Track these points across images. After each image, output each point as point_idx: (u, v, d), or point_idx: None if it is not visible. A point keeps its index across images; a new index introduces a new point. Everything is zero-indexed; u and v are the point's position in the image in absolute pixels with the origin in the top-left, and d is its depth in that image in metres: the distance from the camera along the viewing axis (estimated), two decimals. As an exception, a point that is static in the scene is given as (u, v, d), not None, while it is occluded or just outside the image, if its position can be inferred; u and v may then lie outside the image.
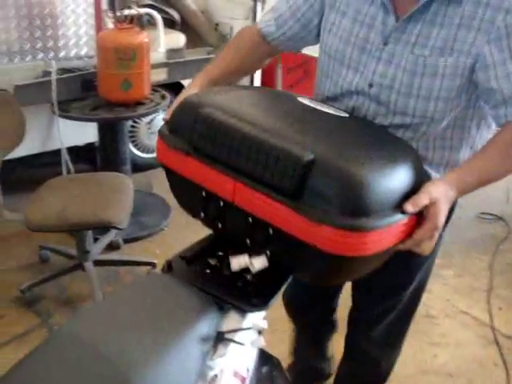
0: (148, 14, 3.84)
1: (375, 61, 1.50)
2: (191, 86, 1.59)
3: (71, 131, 3.63)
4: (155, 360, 1.16)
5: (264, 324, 1.40)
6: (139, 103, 3.30)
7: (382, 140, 1.45)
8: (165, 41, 3.91)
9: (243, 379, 1.39)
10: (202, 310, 1.30)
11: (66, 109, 3.25)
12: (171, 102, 3.54)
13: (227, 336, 1.34)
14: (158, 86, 3.61)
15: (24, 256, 3.28)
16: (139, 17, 3.19)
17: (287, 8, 1.68)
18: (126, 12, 3.34)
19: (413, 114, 1.48)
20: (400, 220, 1.24)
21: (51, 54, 3.54)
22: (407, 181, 1.28)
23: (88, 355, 1.16)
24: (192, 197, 1.42)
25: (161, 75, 3.59)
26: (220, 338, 1.34)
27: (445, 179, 1.37)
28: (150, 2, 4.15)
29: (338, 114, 1.48)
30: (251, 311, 1.35)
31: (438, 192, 1.28)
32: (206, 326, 1.28)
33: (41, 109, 3.42)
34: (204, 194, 1.37)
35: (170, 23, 4.30)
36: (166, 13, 4.22)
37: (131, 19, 3.21)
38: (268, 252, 1.32)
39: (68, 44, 3.61)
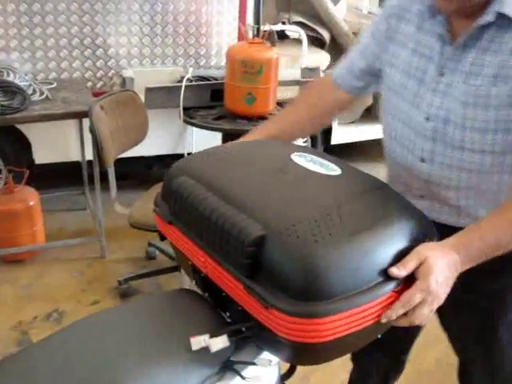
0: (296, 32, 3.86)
1: (431, 93, 1.40)
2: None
3: (200, 138, 3.74)
4: (145, 373, 1.16)
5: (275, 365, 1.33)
6: (262, 117, 3.30)
7: (370, 203, 1.24)
8: (309, 59, 3.89)
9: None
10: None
11: (192, 115, 3.36)
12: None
13: (235, 367, 1.27)
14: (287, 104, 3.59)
15: (133, 249, 3.44)
16: (270, 33, 3.19)
17: (355, 50, 1.64)
18: (267, 27, 3.37)
19: (471, 147, 1.35)
20: (370, 301, 1.09)
21: (191, 62, 3.68)
22: (384, 256, 1.12)
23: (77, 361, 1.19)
24: (185, 265, 1.40)
25: (292, 93, 3.57)
26: (228, 366, 1.28)
27: (442, 242, 1.20)
28: (302, 20, 4.16)
29: (328, 172, 1.32)
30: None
31: (430, 250, 1.13)
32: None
33: (174, 113, 3.56)
34: (190, 263, 1.33)
35: (319, 43, 4.27)
36: (317, 32, 4.19)
37: (263, 35, 3.23)
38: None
39: (209, 53, 3.74)
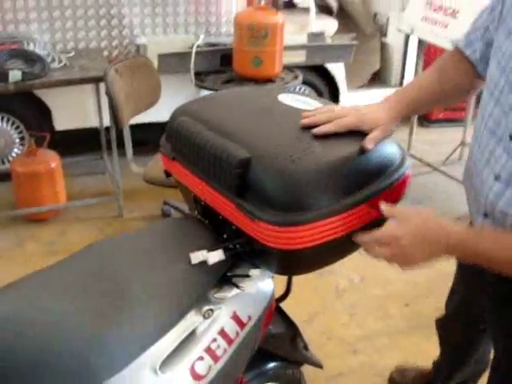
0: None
1: None
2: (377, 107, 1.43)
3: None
4: (151, 273, 1.36)
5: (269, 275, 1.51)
6: (269, 80, 3.45)
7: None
8: (316, 26, 4.02)
9: (242, 324, 1.49)
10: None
11: (202, 80, 3.52)
12: (304, 82, 3.67)
13: (234, 280, 1.45)
14: (297, 68, 3.74)
15: (149, 208, 3.63)
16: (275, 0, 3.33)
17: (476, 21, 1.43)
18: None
19: None
20: (339, 213, 1.25)
21: (202, 30, 3.83)
22: (349, 175, 1.28)
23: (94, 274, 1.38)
24: (187, 197, 1.58)
25: (299, 57, 3.71)
26: (226, 280, 1.45)
27: (447, 227, 1.23)
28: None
29: (308, 107, 1.48)
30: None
31: (428, 218, 1.23)
32: (214, 265, 1.38)
33: (186, 78, 3.71)
34: (192, 195, 1.50)
35: (327, 10, 4.39)
36: (324, 1, 4.31)
37: (269, 2, 3.37)
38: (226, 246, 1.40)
39: (219, 21, 3.89)
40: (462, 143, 4.22)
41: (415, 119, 4.09)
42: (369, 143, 1.29)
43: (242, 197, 1.29)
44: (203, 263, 1.37)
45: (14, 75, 3.07)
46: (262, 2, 3.40)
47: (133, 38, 3.80)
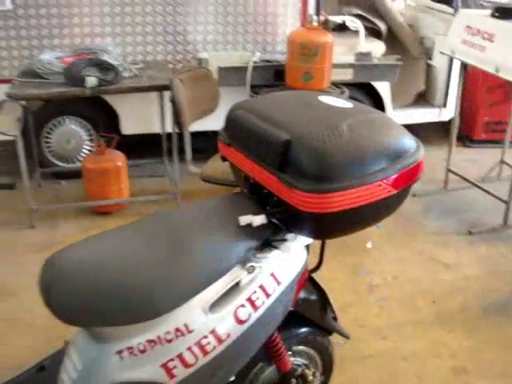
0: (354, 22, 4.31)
1: None
2: None
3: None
4: (205, 233, 1.69)
5: (308, 241, 1.82)
6: (318, 94, 3.76)
7: (368, 122, 1.71)
8: (365, 48, 4.32)
9: (278, 282, 1.78)
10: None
11: (257, 92, 3.87)
12: (350, 98, 3.97)
13: (273, 243, 1.76)
14: (344, 84, 4.05)
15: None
16: (325, 21, 3.66)
17: None
18: (324, 17, 3.84)
19: None
20: (363, 185, 1.55)
21: (259, 48, 4.19)
22: (371, 156, 1.58)
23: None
24: (239, 177, 1.91)
25: (346, 75, 4.02)
26: (268, 243, 1.76)
27: None
28: (361, 13, 4.60)
29: (342, 106, 1.80)
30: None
31: None
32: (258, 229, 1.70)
33: (242, 91, 4.05)
34: (243, 175, 1.82)
35: (376, 33, 4.69)
36: (373, 23, 4.62)
37: (320, 23, 3.70)
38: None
39: (275, 40, 4.24)
40: (501, 162, 4.43)
41: (454, 139, 4.32)
42: None
43: (282, 171, 1.61)
44: (249, 227, 1.69)
45: (91, 81, 3.47)
46: (314, 24, 3.73)
47: (196, 52, 4.19)
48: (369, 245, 3.58)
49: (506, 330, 2.89)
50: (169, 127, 4.01)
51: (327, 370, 2.23)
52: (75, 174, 4.18)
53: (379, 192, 1.60)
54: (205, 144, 4.09)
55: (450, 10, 4.58)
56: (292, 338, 2.05)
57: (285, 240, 1.74)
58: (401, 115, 4.70)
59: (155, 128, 4.30)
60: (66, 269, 1.62)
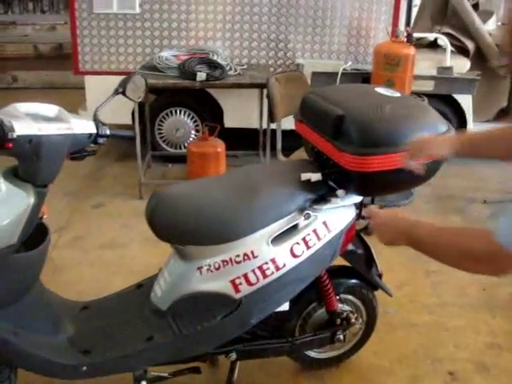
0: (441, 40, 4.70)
1: None
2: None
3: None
4: (275, 184, 2.19)
5: (356, 199, 2.28)
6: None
7: (407, 105, 2.19)
8: (451, 64, 4.69)
9: (329, 230, 2.24)
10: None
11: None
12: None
13: (327, 198, 2.23)
14: (427, 95, 4.44)
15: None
16: (408, 35, 4.08)
17: None
18: (407, 32, 4.26)
19: None
20: (395, 152, 1.99)
21: (351, 57, 4.67)
22: (405, 129, 2.03)
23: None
24: (308, 148, 2.41)
25: (428, 86, 4.41)
26: (322, 198, 2.22)
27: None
28: (451, 31, 4.97)
29: (391, 94, 2.26)
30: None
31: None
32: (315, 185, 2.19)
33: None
34: (310, 145, 2.30)
35: (465, 52, 5.03)
36: (462, 42, 4.97)
37: (407, 37, 4.13)
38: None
39: (366, 52, 4.70)
40: None
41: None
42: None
43: (336, 139, 2.09)
44: (308, 183, 2.17)
45: (201, 76, 4.08)
46: (399, 37, 4.15)
47: (294, 59, 4.72)
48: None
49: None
50: (265, 123, 4.54)
51: (371, 321, 2.64)
52: (181, 159, 4.81)
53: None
54: (293, 143, 4.60)
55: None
56: (340, 285, 2.49)
57: (336, 196, 2.20)
58: (481, 129, 4.96)
59: (253, 123, 4.85)
60: (166, 200, 2.18)
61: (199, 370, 2.34)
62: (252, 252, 2.14)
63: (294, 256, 2.19)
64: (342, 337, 2.51)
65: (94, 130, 2.07)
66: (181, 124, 4.88)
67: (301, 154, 3.74)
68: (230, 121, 4.85)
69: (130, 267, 3.46)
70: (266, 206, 2.14)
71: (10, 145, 1.81)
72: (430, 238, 1.50)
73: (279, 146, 3.99)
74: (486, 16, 5.30)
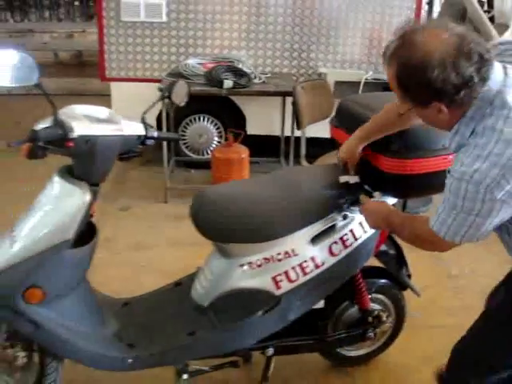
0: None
1: None
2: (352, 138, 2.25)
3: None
4: (314, 186, 2.30)
5: (392, 201, 2.38)
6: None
7: None
8: None
9: (365, 231, 2.34)
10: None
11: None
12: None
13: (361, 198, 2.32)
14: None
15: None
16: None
17: None
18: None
19: None
20: (429, 157, 2.11)
21: (372, 67, 4.78)
22: (436, 136, 2.11)
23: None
24: None
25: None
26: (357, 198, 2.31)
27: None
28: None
29: None
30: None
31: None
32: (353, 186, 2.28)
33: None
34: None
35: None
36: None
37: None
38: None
39: (385, 62, 4.80)
40: None
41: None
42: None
43: (374, 143, 2.18)
44: (346, 184, 2.26)
45: (227, 83, 4.19)
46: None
47: (316, 68, 4.84)
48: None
49: None
50: (287, 131, 4.66)
51: (399, 320, 2.74)
52: (203, 165, 4.92)
53: (443, 164, 2.12)
54: (315, 151, 4.70)
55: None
56: (372, 284, 2.58)
57: (373, 197, 2.30)
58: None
59: (276, 131, 4.96)
60: (211, 199, 2.28)
61: (238, 364, 2.43)
62: (293, 250, 2.24)
63: (332, 255, 2.29)
64: (372, 335, 2.60)
65: (142, 132, 2.17)
66: (204, 130, 4.99)
67: (324, 159, 3.85)
68: (253, 128, 4.95)
69: (158, 269, 3.55)
70: (307, 207, 2.24)
71: (71, 144, 1.92)
72: (399, 223, 1.96)
73: (303, 152, 4.09)
74: (501, 29, 5.40)
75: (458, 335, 3.15)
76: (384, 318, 2.61)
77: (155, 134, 2.21)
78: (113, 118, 2.13)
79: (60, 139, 1.89)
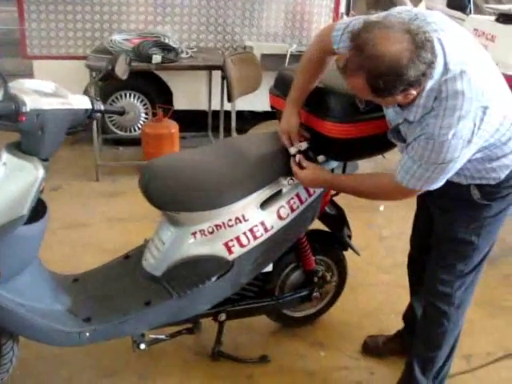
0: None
1: None
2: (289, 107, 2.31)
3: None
4: (260, 153, 2.34)
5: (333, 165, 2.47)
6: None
7: None
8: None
9: (309, 194, 2.42)
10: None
11: (293, 77, 4.54)
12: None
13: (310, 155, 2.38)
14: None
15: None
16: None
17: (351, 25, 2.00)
18: (353, 15, 4.51)
19: None
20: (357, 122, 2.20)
21: (295, 40, 4.89)
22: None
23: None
24: None
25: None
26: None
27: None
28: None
29: None
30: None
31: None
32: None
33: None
34: None
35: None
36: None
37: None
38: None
39: (310, 35, 4.93)
40: None
41: None
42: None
43: (317, 110, 2.27)
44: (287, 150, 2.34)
45: (156, 58, 4.18)
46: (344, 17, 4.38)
47: (241, 42, 4.89)
48: (381, 207, 4.23)
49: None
50: (215, 105, 4.70)
51: (341, 279, 2.87)
52: (131, 142, 4.90)
53: (375, 128, 2.21)
54: (242, 124, 4.78)
55: (463, 15, 5.22)
56: (316, 247, 2.69)
57: (317, 161, 2.39)
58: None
59: (202, 105, 4.99)
60: (160, 170, 2.31)
61: (193, 331, 2.49)
62: (243, 216, 2.31)
63: (281, 218, 2.38)
64: (318, 294, 2.73)
65: (89, 106, 2.17)
66: (131, 107, 4.94)
67: (255, 132, 3.93)
68: (180, 103, 4.96)
69: (98, 245, 3.55)
70: (255, 173, 2.31)
71: (23, 118, 1.90)
72: (351, 181, 2.20)
73: (234, 125, 4.17)
74: (416, 1, 5.64)
75: (393, 291, 3.36)
76: (328, 278, 2.73)
77: (102, 107, 2.21)
78: (60, 91, 2.12)
79: (13, 114, 1.87)
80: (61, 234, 3.67)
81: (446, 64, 1.78)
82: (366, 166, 2.79)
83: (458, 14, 5.38)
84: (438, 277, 2.24)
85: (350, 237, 2.79)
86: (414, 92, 1.77)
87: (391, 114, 2.03)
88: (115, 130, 5.07)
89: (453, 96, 1.76)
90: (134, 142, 4.80)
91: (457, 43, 1.84)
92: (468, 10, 5.18)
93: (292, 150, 2.31)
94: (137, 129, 5.03)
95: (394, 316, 3.03)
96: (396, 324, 2.92)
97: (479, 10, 5.30)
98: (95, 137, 4.36)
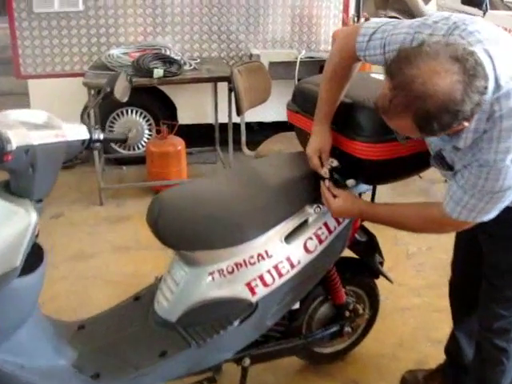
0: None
1: None
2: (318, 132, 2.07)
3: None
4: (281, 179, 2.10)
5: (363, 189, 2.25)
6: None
7: None
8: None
9: (339, 222, 2.17)
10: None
11: (304, 85, 4.28)
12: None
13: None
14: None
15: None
16: (367, 20, 4.06)
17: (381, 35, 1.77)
18: (365, 17, 4.25)
19: None
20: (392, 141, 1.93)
21: (304, 46, 4.62)
22: None
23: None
24: (303, 138, 2.28)
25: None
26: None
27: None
28: (396, 15, 5.00)
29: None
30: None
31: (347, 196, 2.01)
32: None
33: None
34: (308, 136, 2.22)
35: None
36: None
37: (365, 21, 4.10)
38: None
39: (319, 40, 4.66)
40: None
41: None
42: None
43: (345, 128, 2.01)
44: (314, 175, 2.07)
45: (158, 72, 3.92)
46: (351, 23, 4.14)
47: (247, 50, 4.63)
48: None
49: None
50: (222, 118, 4.44)
51: (373, 309, 2.61)
52: (135, 160, 4.64)
53: (410, 148, 1.96)
54: (251, 137, 4.53)
55: (479, 12, 4.95)
56: (345, 279, 2.42)
57: (345, 186, 2.13)
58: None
59: (209, 119, 4.73)
60: (171, 203, 2.05)
61: (215, 379, 2.22)
62: (266, 252, 2.05)
63: (308, 252, 2.12)
64: (350, 329, 2.46)
65: (87, 136, 1.92)
66: (133, 124, 4.69)
67: (267, 145, 3.67)
68: (184, 117, 4.70)
69: (105, 278, 3.29)
70: (278, 203, 2.05)
71: (9, 157, 1.64)
72: (391, 211, 1.97)
73: (244, 139, 3.90)
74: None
75: (426, 316, 3.09)
76: (361, 311, 2.48)
77: (101, 136, 1.97)
78: (52, 122, 1.85)
79: (-4, 154, 1.61)
80: (64, 268, 3.40)
81: (496, 79, 1.53)
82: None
83: (474, 10, 5.11)
84: (495, 312, 2.00)
85: (381, 263, 2.52)
86: (467, 124, 1.52)
87: (434, 139, 1.76)
88: (118, 149, 4.81)
89: (508, 115, 1.54)
90: (139, 160, 4.54)
91: (505, 54, 1.59)
92: (484, 5, 4.90)
93: (323, 173, 2.04)
94: (140, 146, 4.77)
95: (431, 344, 2.79)
96: (433, 354, 2.68)
97: (495, 6, 5.04)
98: (97, 157, 4.08)
